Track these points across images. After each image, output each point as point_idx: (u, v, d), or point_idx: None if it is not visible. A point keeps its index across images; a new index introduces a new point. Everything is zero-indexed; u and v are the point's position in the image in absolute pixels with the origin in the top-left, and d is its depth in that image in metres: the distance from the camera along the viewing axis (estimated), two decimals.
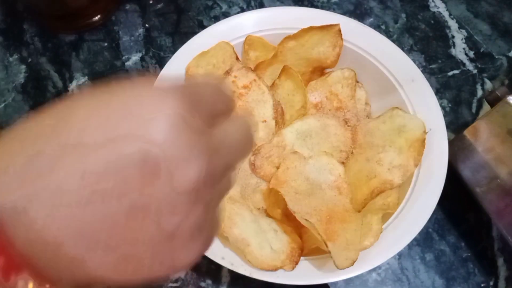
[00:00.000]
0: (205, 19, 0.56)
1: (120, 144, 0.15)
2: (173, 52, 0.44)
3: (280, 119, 0.42)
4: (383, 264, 0.42)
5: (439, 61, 0.53)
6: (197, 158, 0.16)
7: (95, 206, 0.15)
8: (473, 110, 0.50)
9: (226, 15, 0.56)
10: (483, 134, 0.40)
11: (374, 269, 0.42)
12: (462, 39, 0.55)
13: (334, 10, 0.56)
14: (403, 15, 0.56)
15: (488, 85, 0.52)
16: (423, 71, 0.49)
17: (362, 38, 0.45)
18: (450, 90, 0.51)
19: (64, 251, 0.15)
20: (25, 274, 0.15)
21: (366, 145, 0.41)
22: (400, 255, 0.43)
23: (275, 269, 0.35)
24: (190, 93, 0.17)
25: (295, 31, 0.44)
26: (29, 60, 0.54)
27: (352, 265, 0.33)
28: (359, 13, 0.56)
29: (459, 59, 0.53)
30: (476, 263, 0.42)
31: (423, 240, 0.43)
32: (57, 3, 0.53)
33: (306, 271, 0.35)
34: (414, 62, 0.43)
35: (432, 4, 0.57)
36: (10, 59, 0.54)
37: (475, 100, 0.51)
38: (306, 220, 0.35)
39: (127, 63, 0.53)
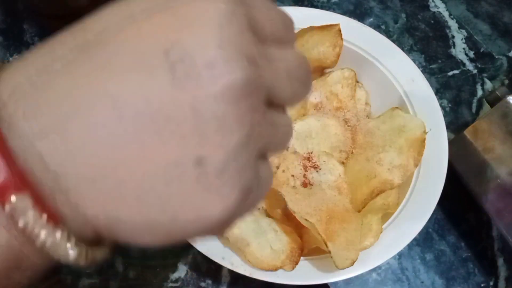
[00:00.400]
0: None
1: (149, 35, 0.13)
2: None
3: None
4: (383, 264, 0.42)
5: (439, 61, 0.53)
6: (248, 65, 0.13)
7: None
8: (473, 110, 0.50)
9: None
10: (483, 134, 0.40)
11: (374, 269, 0.42)
12: (462, 39, 0.55)
13: (334, 10, 0.56)
14: (403, 15, 0.56)
15: (488, 85, 0.52)
16: (423, 71, 0.49)
17: (362, 38, 0.44)
18: (450, 90, 0.51)
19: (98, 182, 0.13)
20: (26, 196, 0.13)
21: (366, 145, 0.41)
22: (400, 255, 0.43)
23: (275, 269, 0.35)
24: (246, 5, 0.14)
25: (295, 31, 0.44)
26: None
27: (352, 265, 0.33)
28: (359, 13, 0.56)
29: (459, 59, 0.53)
30: (476, 263, 0.42)
31: (423, 240, 0.43)
32: (57, 3, 0.53)
33: (306, 271, 0.35)
34: (414, 62, 0.43)
35: (432, 4, 0.57)
36: (10, 59, 0.54)
37: (475, 100, 0.51)
38: (306, 220, 0.35)
39: None
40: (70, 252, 0.14)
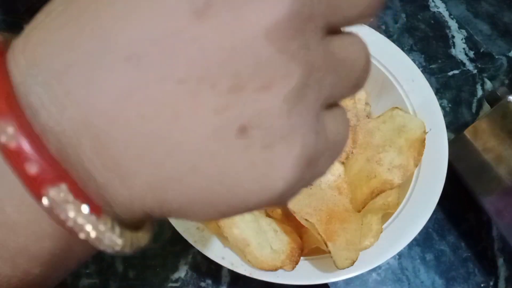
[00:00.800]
0: None
1: None
2: None
3: None
4: (383, 264, 0.42)
5: (439, 61, 0.53)
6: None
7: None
8: (473, 110, 0.50)
9: None
10: (483, 134, 0.40)
11: (374, 269, 0.42)
12: (462, 39, 0.55)
13: None
14: (403, 15, 0.56)
15: (488, 85, 0.52)
16: (423, 71, 0.49)
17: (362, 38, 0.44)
18: (450, 90, 0.51)
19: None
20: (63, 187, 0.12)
21: (366, 145, 0.41)
22: (400, 255, 0.43)
23: (275, 269, 0.35)
24: None
25: None
26: None
27: (352, 265, 0.33)
28: None
29: (459, 59, 0.53)
30: (476, 263, 0.42)
31: (423, 240, 0.43)
32: None
33: (306, 271, 0.35)
34: (414, 62, 0.43)
35: (432, 4, 0.57)
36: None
37: (475, 100, 0.51)
38: (306, 220, 0.35)
39: None
40: (117, 241, 0.13)
